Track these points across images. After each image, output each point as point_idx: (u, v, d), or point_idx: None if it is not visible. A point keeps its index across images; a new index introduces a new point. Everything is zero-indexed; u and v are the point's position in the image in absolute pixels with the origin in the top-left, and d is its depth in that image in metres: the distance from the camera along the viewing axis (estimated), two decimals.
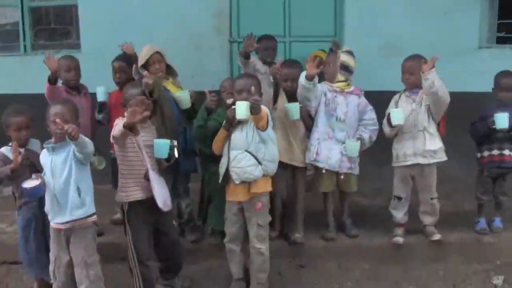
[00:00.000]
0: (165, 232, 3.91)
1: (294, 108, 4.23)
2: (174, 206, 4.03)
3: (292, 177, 4.51)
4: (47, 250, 3.67)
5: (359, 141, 4.41)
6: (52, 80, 4.32)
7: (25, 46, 6.38)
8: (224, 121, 3.81)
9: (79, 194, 3.39)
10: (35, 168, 3.65)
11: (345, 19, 6.06)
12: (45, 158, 3.48)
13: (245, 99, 3.66)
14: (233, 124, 3.77)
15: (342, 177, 4.48)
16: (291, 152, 4.42)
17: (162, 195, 3.70)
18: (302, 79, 4.15)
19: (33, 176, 3.40)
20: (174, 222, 4.06)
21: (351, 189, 4.62)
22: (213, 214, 4.33)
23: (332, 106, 4.42)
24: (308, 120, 4.48)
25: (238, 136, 3.78)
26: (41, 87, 4.44)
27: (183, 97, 4.38)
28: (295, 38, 6.20)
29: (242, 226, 3.94)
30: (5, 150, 3.74)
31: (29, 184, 3.34)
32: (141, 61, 4.36)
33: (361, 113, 4.52)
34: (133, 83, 4.11)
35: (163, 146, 3.70)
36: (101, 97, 4.68)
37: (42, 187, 3.35)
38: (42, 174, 3.43)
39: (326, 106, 4.42)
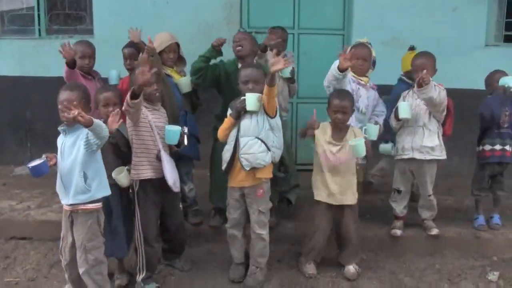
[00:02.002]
0: (171, 214, 4.00)
1: (360, 145, 3.89)
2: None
3: (341, 214, 4.12)
4: (111, 230, 3.77)
5: (378, 125, 4.47)
6: (71, 65, 4.34)
7: (39, 30, 6.50)
8: (232, 111, 3.87)
9: (85, 180, 3.38)
10: (119, 149, 3.75)
11: (354, 13, 6.10)
12: (59, 139, 3.48)
13: (251, 90, 3.75)
14: (241, 114, 3.84)
15: (357, 167, 4.45)
16: (335, 195, 4.05)
17: (172, 175, 3.81)
18: (333, 69, 4.14)
19: (43, 156, 3.41)
20: (180, 205, 4.14)
21: (360, 178, 4.58)
22: (214, 191, 4.46)
23: (355, 97, 4.39)
24: (371, 153, 4.31)
25: (247, 124, 3.82)
26: (54, 70, 4.54)
27: (183, 81, 4.54)
28: (303, 31, 6.25)
29: (244, 212, 4.00)
30: None
31: (33, 163, 3.35)
32: (158, 46, 4.44)
33: (374, 106, 4.61)
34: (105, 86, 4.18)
35: (174, 133, 3.82)
36: (113, 80, 4.79)
37: (44, 165, 3.35)
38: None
39: None
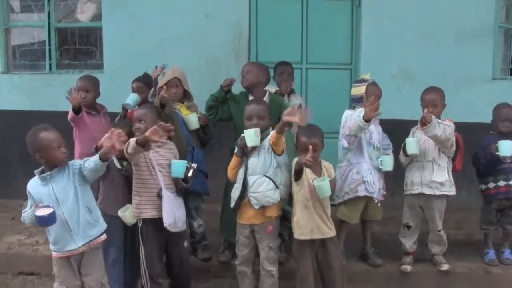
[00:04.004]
0: (175, 252, 3.98)
1: (325, 185, 3.68)
2: (186, 226, 4.04)
3: (324, 248, 3.90)
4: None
5: (391, 155, 4.46)
6: (77, 111, 4.41)
7: (50, 65, 6.57)
8: (236, 149, 3.89)
9: (90, 212, 3.37)
10: (130, 181, 3.78)
11: (361, 47, 6.13)
12: (38, 188, 3.33)
13: (255, 125, 3.77)
14: (245, 151, 3.85)
15: (379, 204, 4.48)
16: (321, 227, 3.84)
17: (172, 215, 3.78)
18: (359, 119, 4.06)
19: (40, 205, 3.21)
20: (185, 243, 4.08)
21: (379, 216, 4.61)
22: (225, 225, 4.48)
23: (368, 135, 4.41)
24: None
25: (255, 162, 3.83)
26: (64, 104, 4.57)
27: (190, 118, 4.53)
28: (311, 65, 6.26)
29: (253, 249, 3.98)
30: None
31: (44, 211, 3.13)
32: (161, 82, 4.50)
33: (382, 139, 4.58)
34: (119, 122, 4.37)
35: (179, 166, 3.83)
36: (129, 100, 4.67)
37: (53, 216, 3.15)
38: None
39: (365, 135, 4.39)
